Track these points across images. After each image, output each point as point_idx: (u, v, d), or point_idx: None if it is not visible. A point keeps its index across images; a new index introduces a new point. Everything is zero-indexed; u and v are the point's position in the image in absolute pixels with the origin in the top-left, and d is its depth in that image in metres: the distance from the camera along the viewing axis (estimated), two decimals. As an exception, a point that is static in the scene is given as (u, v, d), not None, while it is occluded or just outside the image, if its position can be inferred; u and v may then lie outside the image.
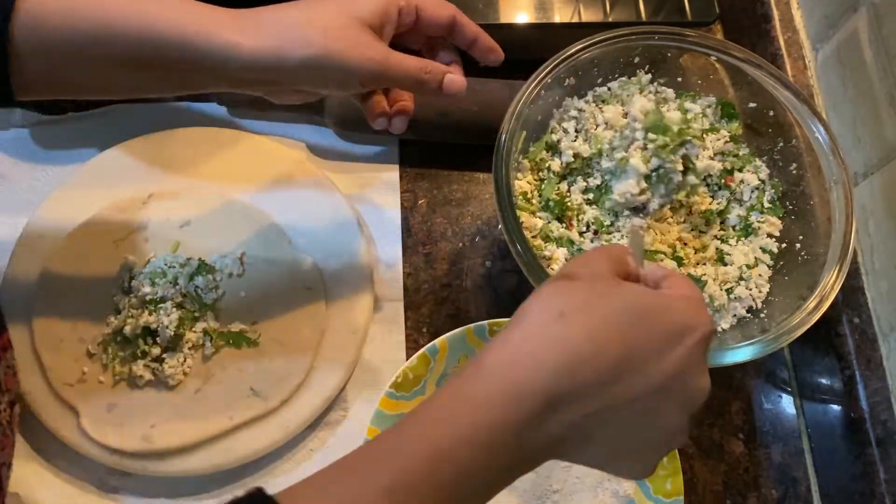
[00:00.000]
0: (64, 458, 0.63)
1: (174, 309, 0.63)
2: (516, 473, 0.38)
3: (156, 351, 0.62)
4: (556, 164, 0.68)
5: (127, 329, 0.62)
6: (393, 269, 0.71)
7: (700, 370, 0.40)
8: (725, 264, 0.66)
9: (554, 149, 0.69)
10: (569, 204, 0.67)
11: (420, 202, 0.74)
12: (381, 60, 0.50)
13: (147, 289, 0.63)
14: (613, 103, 0.69)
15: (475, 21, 0.72)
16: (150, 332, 0.62)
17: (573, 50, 0.65)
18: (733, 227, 0.69)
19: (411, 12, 0.53)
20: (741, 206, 0.69)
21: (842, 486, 0.65)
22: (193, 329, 0.63)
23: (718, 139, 0.69)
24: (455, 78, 0.55)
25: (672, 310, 0.39)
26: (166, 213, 0.69)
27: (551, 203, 0.67)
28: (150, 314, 0.62)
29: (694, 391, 0.39)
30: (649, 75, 0.70)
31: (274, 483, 0.64)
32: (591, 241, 0.68)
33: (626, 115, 0.69)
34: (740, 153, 0.69)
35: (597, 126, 0.69)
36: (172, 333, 0.62)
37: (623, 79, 0.70)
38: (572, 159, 0.68)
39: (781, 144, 0.68)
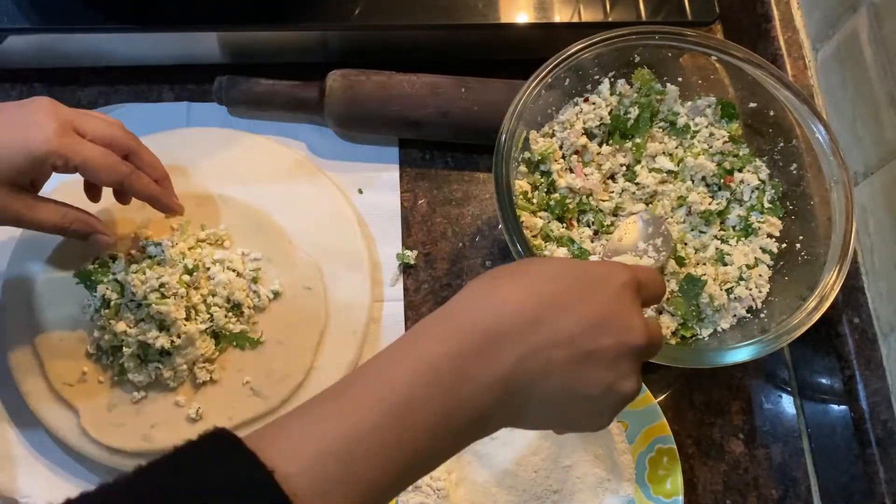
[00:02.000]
0: (64, 458, 0.63)
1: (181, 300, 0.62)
2: (474, 412, 0.40)
3: (155, 354, 0.62)
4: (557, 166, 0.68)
5: (130, 335, 0.61)
6: (393, 268, 0.71)
7: (629, 312, 0.43)
8: (725, 264, 0.66)
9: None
10: (569, 204, 0.67)
11: (420, 202, 0.74)
12: (13, 219, 0.54)
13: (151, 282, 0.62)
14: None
15: (475, 21, 0.72)
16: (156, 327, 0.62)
17: (573, 50, 0.65)
18: (733, 227, 0.69)
19: (69, 169, 0.54)
20: (741, 206, 0.69)
21: (842, 486, 0.65)
22: (197, 323, 0.63)
23: (718, 139, 0.69)
24: (100, 238, 0.59)
25: (593, 265, 0.45)
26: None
27: (552, 203, 0.67)
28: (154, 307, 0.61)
29: (626, 329, 0.42)
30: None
31: (274, 483, 0.64)
32: (591, 241, 0.68)
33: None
34: (740, 153, 0.69)
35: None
36: (179, 329, 0.61)
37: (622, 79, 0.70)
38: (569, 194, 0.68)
39: (781, 144, 0.68)
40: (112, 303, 0.61)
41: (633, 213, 0.68)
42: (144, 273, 0.61)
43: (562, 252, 0.66)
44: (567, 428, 0.47)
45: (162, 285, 0.60)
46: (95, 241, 0.59)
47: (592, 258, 0.66)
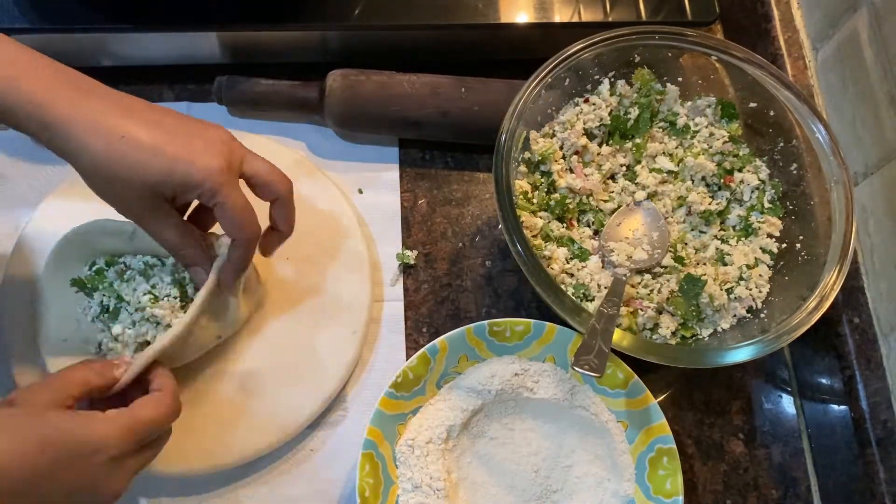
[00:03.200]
0: (64, 458, 0.62)
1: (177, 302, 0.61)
2: None
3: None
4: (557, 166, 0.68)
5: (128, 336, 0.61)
6: (393, 268, 0.71)
7: (111, 481, 0.49)
8: (725, 264, 0.66)
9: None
10: (569, 204, 0.67)
11: (420, 202, 0.74)
12: (141, 221, 0.54)
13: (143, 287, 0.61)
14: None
15: (475, 21, 0.72)
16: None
17: (573, 50, 0.65)
18: (733, 227, 0.69)
19: (210, 203, 0.54)
20: (741, 206, 0.69)
21: (842, 486, 0.65)
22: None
23: (718, 139, 0.69)
24: (197, 273, 0.58)
25: (86, 433, 0.48)
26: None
27: (552, 203, 0.67)
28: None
29: (103, 497, 0.49)
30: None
31: (275, 483, 0.64)
32: (591, 240, 0.68)
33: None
34: (740, 153, 0.69)
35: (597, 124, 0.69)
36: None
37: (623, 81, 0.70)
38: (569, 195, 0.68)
39: (781, 144, 0.68)
40: (112, 306, 0.61)
41: (638, 202, 0.68)
42: (134, 280, 0.61)
43: (561, 252, 0.66)
44: None
45: (153, 286, 0.60)
46: (194, 274, 0.59)
47: (593, 258, 0.66)
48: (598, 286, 0.65)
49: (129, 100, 0.53)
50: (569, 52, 0.65)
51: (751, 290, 0.65)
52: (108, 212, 0.55)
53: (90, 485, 0.48)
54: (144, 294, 0.60)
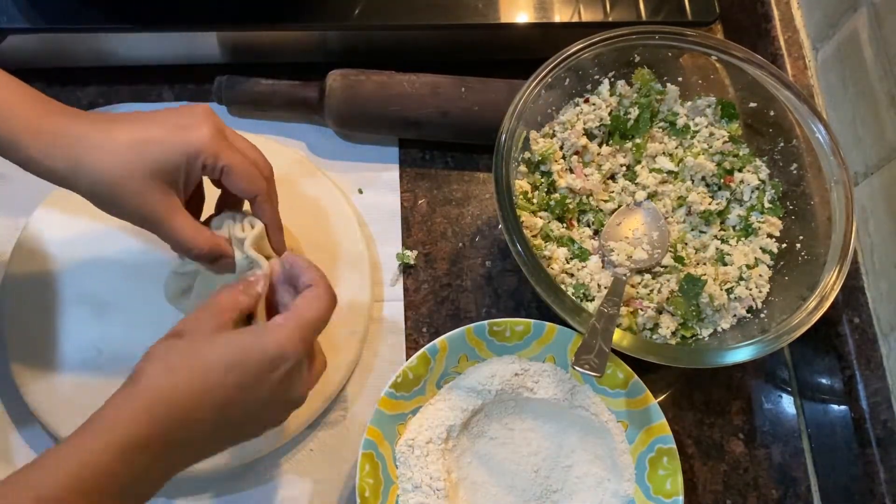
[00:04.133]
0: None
1: None
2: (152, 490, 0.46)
3: None
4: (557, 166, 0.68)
5: None
6: (393, 269, 0.71)
7: (293, 388, 0.50)
8: (725, 264, 0.66)
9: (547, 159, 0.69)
10: (569, 204, 0.67)
11: (420, 202, 0.74)
12: (155, 219, 0.52)
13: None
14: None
15: (475, 21, 0.73)
16: None
17: (573, 50, 0.65)
18: (733, 227, 0.69)
19: (216, 170, 0.53)
20: (741, 206, 0.69)
21: (842, 486, 0.65)
22: None
23: (718, 139, 0.69)
24: (226, 264, 0.56)
25: (263, 346, 0.48)
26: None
27: (552, 203, 0.67)
28: None
29: (289, 403, 0.51)
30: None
31: (275, 483, 0.64)
32: (591, 240, 0.68)
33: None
34: (740, 153, 0.69)
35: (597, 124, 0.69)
36: None
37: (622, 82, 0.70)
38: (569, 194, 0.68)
39: (781, 144, 0.68)
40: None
41: (638, 202, 0.68)
42: None
43: (561, 252, 0.66)
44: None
45: None
46: (221, 265, 0.55)
47: (593, 258, 0.66)
48: (598, 286, 0.65)
49: (97, 112, 0.53)
50: (569, 52, 0.65)
51: (751, 290, 0.65)
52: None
53: (282, 392, 0.49)
54: None
